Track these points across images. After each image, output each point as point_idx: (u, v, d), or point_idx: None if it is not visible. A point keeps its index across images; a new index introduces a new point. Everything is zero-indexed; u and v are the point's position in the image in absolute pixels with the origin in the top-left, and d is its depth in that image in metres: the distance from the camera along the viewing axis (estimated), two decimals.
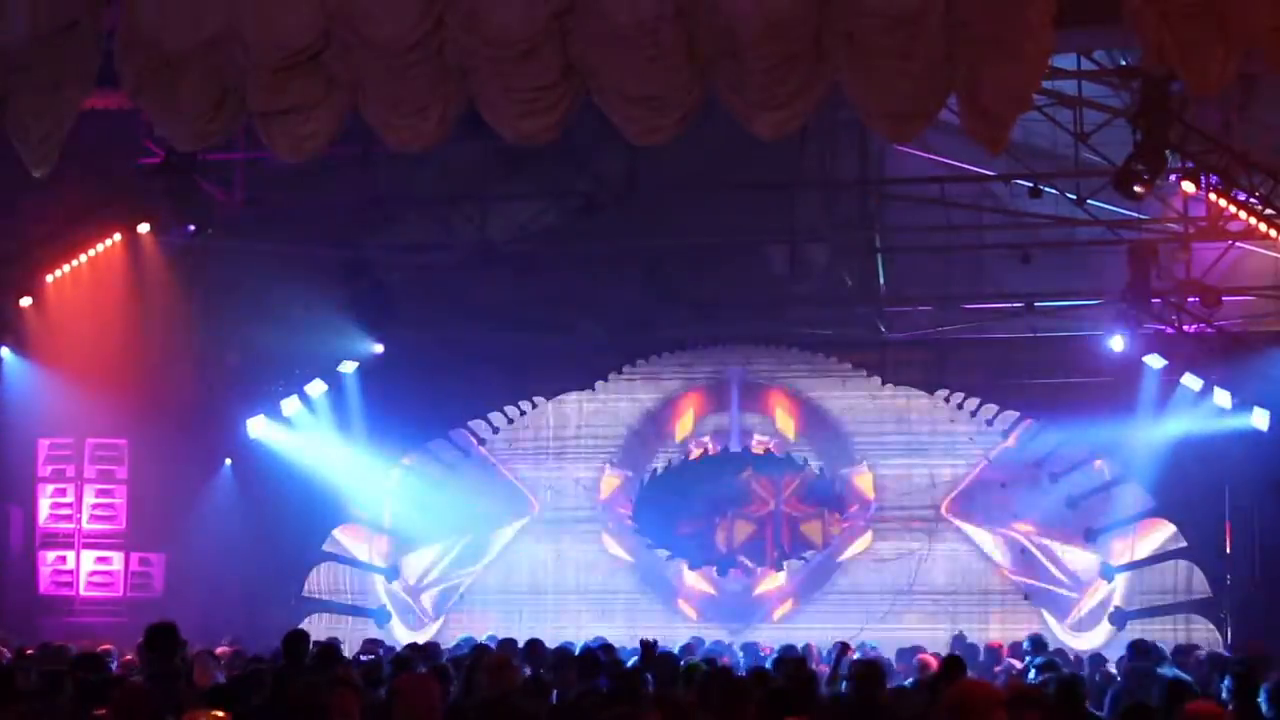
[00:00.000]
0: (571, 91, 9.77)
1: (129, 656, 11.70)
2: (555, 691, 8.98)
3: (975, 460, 18.37)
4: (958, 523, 18.22)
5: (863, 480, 18.58)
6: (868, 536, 18.47)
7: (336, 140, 10.39)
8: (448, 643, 15.30)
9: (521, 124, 9.91)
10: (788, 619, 18.36)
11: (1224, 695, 8.45)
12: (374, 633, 17.69)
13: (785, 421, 18.97)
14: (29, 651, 12.00)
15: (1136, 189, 12.99)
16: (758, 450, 19.02)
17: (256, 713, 7.90)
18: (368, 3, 9.69)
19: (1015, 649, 14.24)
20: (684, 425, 19.16)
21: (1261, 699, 7.75)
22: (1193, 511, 17.18)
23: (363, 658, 12.34)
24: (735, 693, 7.14)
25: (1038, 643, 13.58)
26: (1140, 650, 12.13)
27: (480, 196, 17.24)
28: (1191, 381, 16.52)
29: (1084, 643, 16.88)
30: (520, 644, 12.21)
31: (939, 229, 16.79)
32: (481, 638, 14.61)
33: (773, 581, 18.64)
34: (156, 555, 17.78)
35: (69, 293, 17.06)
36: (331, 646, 11.62)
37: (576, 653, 11.36)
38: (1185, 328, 16.63)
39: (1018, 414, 18.27)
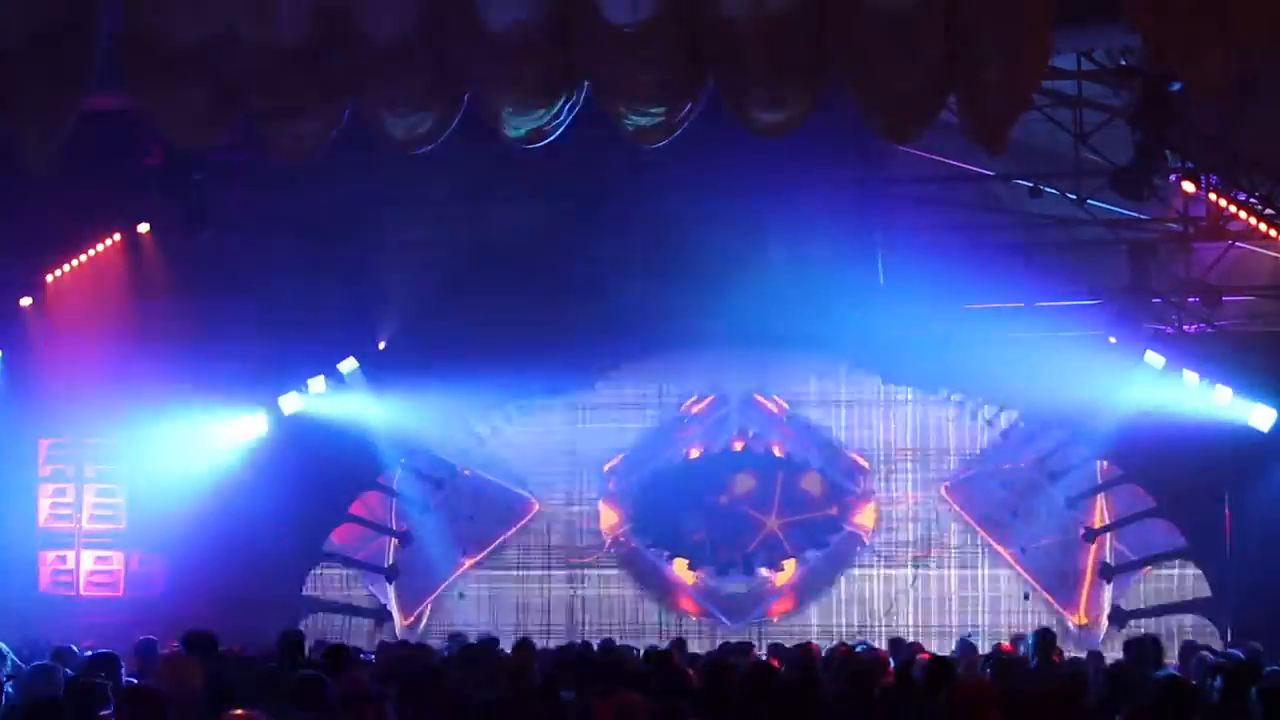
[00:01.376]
0: (570, 92, 9.78)
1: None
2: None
3: (975, 459, 18.37)
4: (959, 510, 18.21)
5: (859, 460, 18.61)
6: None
7: (335, 140, 10.40)
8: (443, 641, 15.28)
9: (520, 124, 9.92)
10: (788, 618, 18.35)
11: (1215, 696, 8.41)
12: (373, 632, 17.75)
13: (785, 421, 18.96)
14: None
15: (1141, 190, 13.00)
16: (757, 449, 19.00)
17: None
18: (367, 3, 9.69)
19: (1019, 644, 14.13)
20: (684, 425, 19.14)
21: (1254, 700, 7.74)
22: (1193, 511, 17.16)
23: (362, 656, 12.32)
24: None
25: (1044, 638, 13.17)
26: (1135, 649, 11.87)
27: (480, 196, 17.24)
28: (1191, 381, 16.52)
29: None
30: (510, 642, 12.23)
31: (939, 229, 16.78)
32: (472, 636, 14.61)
33: (772, 580, 18.62)
34: (156, 555, 17.77)
35: (69, 293, 17.06)
36: (343, 648, 11.56)
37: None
38: (1185, 328, 16.63)
39: (1017, 414, 18.27)
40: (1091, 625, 17.64)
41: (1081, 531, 17.86)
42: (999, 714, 5.46)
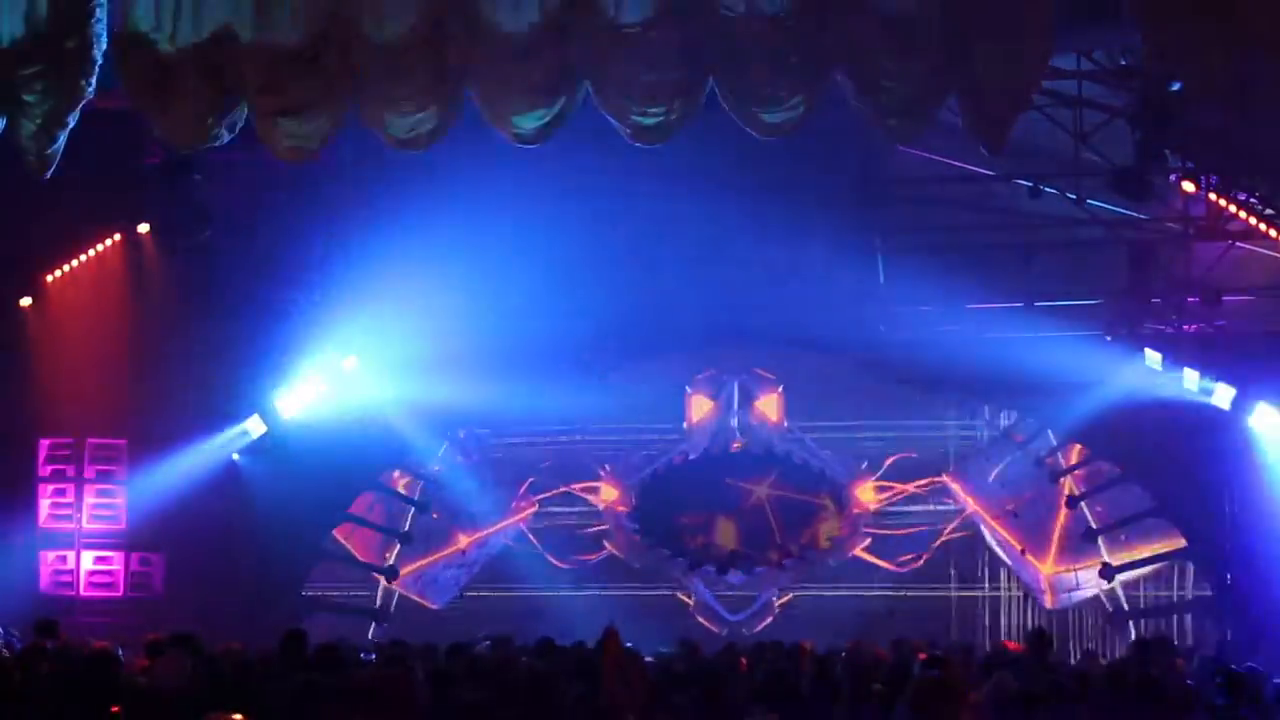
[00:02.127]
0: (571, 91, 9.79)
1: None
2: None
3: (976, 459, 18.38)
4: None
5: (859, 460, 18.63)
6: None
7: (336, 140, 10.40)
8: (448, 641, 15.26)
9: (521, 124, 9.93)
10: (787, 617, 18.35)
11: (1219, 699, 8.40)
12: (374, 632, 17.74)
13: (784, 421, 18.97)
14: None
15: (1141, 190, 13.03)
16: (757, 450, 19.02)
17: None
18: (368, 3, 9.70)
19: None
20: (683, 425, 19.15)
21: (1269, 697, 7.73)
22: (1193, 511, 17.15)
23: (362, 656, 12.32)
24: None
25: (1037, 638, 13.04)
26: (1138, 651, 11.81)
27: (479, 196, 17.24)
28: (1191, 381, 16.51)
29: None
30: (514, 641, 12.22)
31: (939, 229, 16.80)
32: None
33: (773, 580, 18.64)
34: (156, 555, 17.76)
35: (69, 293, 17.05)
36: (335, 647, 11.55)
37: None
38: (1185, 327, 16.64)
39: (1018, 414, 18.27)
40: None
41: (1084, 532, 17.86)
42: (968, 712, 5.49)
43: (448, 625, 18.38)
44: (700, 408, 19.15)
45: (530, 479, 19.13)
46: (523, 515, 19.12)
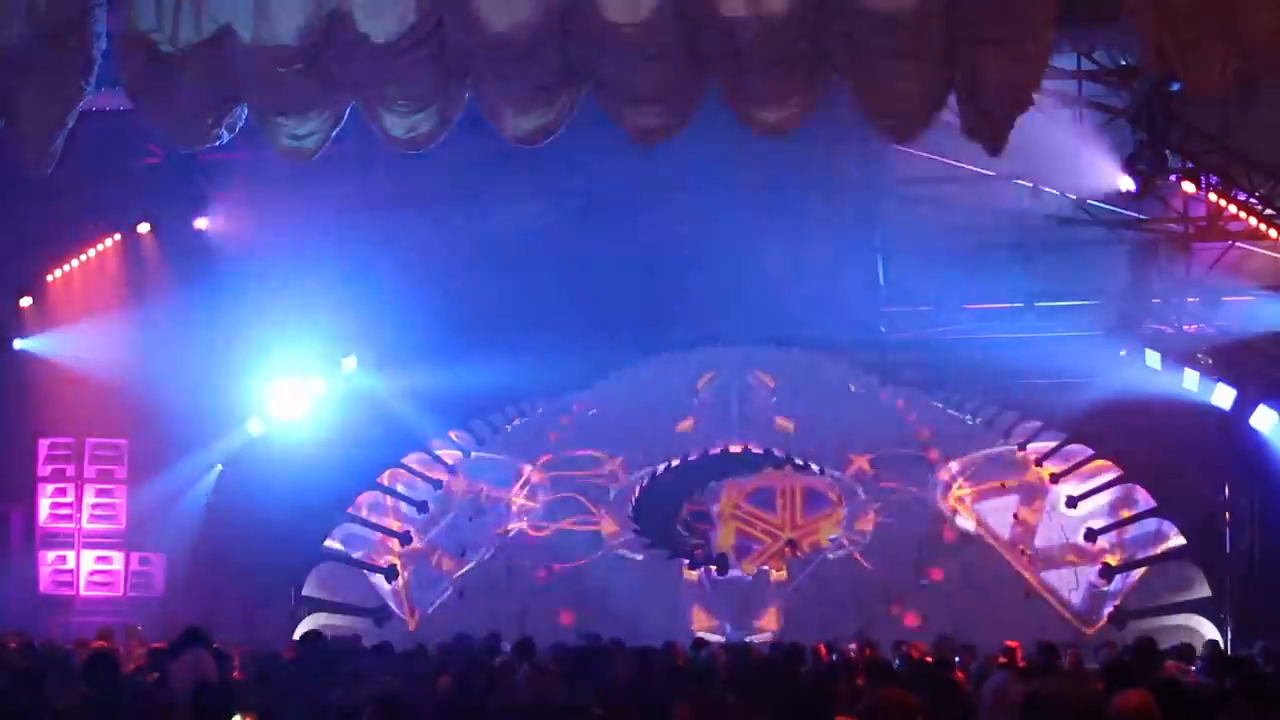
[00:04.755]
0: (571, 91, 9.80)
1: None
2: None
3: (976, 460, 18.37)
4: (962, 507, 18.17)
5: (859, 461, 18.60)
6: (870, 518, 18.44)
7: (335, 140, 10.41)
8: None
9: (521, 124, 9.93)
10: (788, 617, 18.34)
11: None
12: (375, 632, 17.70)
13: (784, 422, 18.95)
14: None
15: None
16: (757, 450, 19.00)
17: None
18: (368, 3, 9.70)
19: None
20: (684, 425, 19.14)
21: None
22: (1192, 511, 17.15)
23: None
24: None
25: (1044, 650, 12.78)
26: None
27: (480, 196, 17.25)
28: (1191, 381, 16.51)
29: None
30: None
31: (939, 229, 16.81)
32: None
33: (774, 579, 18.63)
34: (156, 555, 17.78)
35: (69, 293, 17.08)
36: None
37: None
38: (1185, 328, 16.64)
39: (1017, 414, 18.26)
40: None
41: (1083, 531, 17.82)
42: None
43: (450, 624, 18.40)
44: (701, 409, 19.13)
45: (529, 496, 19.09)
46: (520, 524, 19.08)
